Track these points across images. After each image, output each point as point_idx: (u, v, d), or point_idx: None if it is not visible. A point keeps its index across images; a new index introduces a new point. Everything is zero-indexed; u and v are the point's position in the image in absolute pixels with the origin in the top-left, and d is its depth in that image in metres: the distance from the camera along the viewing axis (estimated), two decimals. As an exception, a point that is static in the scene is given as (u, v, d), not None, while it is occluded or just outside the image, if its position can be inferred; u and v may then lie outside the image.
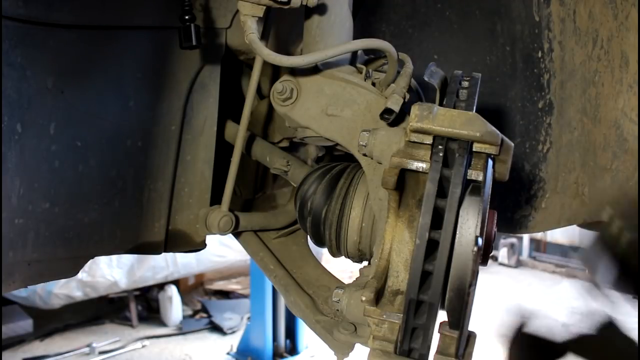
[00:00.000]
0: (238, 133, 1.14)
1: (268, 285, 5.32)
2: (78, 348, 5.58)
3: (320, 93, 0.99)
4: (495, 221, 0.89)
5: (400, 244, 0.81)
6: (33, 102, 0.94)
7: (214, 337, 6.18)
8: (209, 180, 1.20)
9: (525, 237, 9.01)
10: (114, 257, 5.04)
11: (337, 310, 0.90)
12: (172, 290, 6.28)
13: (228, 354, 5.62)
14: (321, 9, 1.00)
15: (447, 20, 1.44)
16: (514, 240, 8.99)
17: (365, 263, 1.05)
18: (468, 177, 0.78)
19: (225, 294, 6.97)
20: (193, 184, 1.20)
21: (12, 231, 0.96)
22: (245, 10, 0.92)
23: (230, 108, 1.26)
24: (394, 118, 0.89)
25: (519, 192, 1.46)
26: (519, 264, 9.04)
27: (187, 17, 0.97)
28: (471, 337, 0.82)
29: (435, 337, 0.78)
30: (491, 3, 1.40)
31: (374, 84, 0.98)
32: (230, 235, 1.27)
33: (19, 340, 5.63)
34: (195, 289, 7.16)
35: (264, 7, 0.92)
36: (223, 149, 1.23)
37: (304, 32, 1.04)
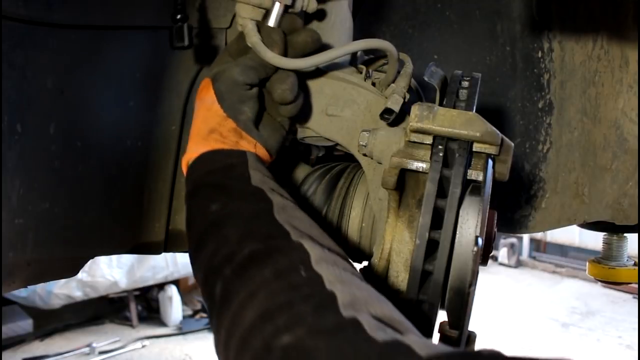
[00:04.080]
0: (238, 133, 1.14)
1: (268, 285, 5.31)
2: (78, 348, 5.58)
3: (320, 93, 0.99)
4: (496, 221, 0.89)
5: (400, 244, 0.81)
6: (33, 102, 0.94)
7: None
8: (209, 180, 1.20)
9: (525, 237, 9.01)
10: (114, 257, 5.04)
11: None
12: (172, 290, 6.28)
13: (228, 354, 5.61)
14: (321, 12, 1.00)
15: (447, 21, 1.44)
16: (514, 240, 8.99)
17: (365, 263, 1.05)
18: (468, 177, 0.78)
19: (225, 294, 6.95)
20: (193, 184, 1.20)
21: (12, 231, 0.95)
22: (245, 14, 0.91)
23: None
24: (394, 118, 0.89)
25: (519, 192, 1.46)
26: (519, 264, 9.04)
27: (179, 17, 0.96)
28: (471, 337, 0.82)
29: (435, 337, 0.78)
30: (491, 3, 1.40)
31: (374, 84, 0.98)
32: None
33: (19, 340, 5.63)
34: (195, 289, 7.15)
35: (264, 11, 0.92)
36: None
37: (304, 33, 1.04)
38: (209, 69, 0.95)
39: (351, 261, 0.71)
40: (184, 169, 0.88)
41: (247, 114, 0.88)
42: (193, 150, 0.86)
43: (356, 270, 0.69)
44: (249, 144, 0.87)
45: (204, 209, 0.78)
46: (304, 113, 0.96)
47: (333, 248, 0.71)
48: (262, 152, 0.89)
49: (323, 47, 1.00)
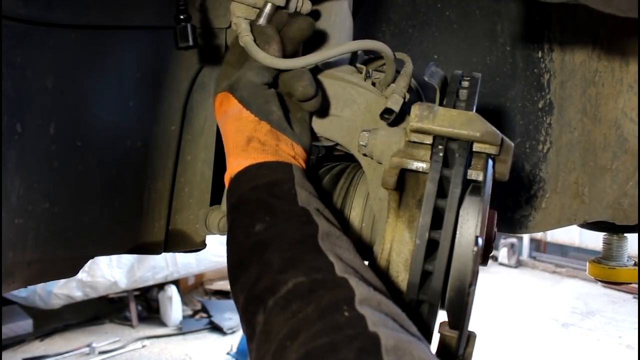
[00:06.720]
0: (238, 133, 1.14)
1: (268, 285, 5.31)
2: (78, 348, 5.59)
3: (320, 93, 0.99)
4: (496, 221, 0.89)
5: (400, 244, 0.81)
6: (33, 102, 0.94)
7: (214, 337, 6.18)
8: (209, 180, 1.20)
9: (525, 237, 9.02)
10: (114, 257, 5.05)
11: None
12: (172, 290, 6.29)
13: (228, 354, 5.62)
14: (316, 13, 1.00)
15: (447, 20, 1.44)
16: (514, 240, 9.00)
17: (365, 263, 1.05)
18: (468, 177, 0.78)
19: (225, 294, 6.97)
20: (193, 184, 1.20)
21: (12, 231, 0.95)
22: (239, 12, 0.91)
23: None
24: (394, 118, 0.89)
25: (519, 192, 1.46)
26: (519, 264, 9.04)
27: (182, 17, 0.96)
28: (471, 337, 0.82)
29: (435, 337, 0.78)
30: (491, 3, 1.40)
31: (374, 84, 0.98)
32: (230, 235, 1.27)
33: (19, 340, 5.63)
34: (195, 289, 7.17)
35: (257, 11, 0.92)
36: (223, 149, 1.23)
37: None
38: (216, 85, 0.94)
39: (390, 297, 0.69)
40: (227, 183, 0.86)
41: (277, 113, 0.86)
42: (236, 164, 0.84)
43: (397, 308, 0.67)
44: (286, 146, 0.85)
45: (247, 228, 0.76)
46: (323, 105, 0.96)
47: (376, 285, 0.69)
48: (299, 151, 0.87)
49: (320, 47, 1.00)
